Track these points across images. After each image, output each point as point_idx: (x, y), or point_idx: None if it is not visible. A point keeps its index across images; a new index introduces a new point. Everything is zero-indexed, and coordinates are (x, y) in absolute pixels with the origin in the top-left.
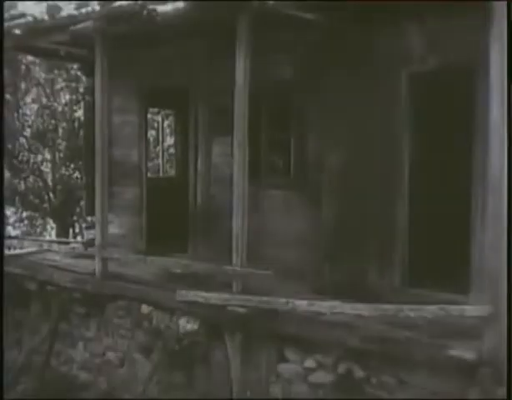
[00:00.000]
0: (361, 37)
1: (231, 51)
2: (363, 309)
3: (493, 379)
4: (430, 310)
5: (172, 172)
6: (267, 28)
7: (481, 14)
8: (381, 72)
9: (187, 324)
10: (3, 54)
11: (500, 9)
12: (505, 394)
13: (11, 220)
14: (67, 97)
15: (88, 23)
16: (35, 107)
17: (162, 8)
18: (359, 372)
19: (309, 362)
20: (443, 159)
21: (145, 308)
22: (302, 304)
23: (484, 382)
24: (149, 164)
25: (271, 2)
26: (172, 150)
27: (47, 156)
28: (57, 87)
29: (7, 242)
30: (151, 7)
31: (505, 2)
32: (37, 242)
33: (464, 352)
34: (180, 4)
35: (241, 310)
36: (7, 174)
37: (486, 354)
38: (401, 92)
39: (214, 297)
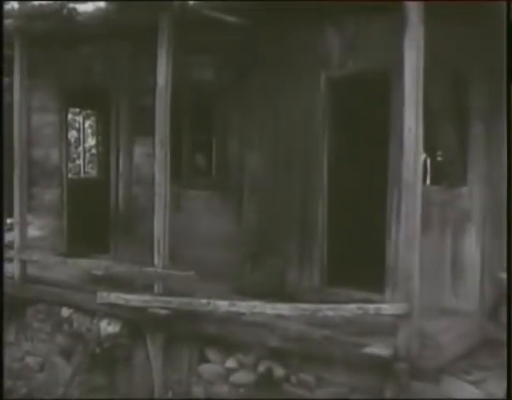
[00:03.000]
0: (282, 39)
1: (153, 51)
2: (283, 309)
3: (408, 374)
4: (348, 309)
5: (93, 173)
6: (188, 29)
7: (399, 18)
8: (301, 73)
9: (108, 326)
10: (3, 54)
11: (414, 13)
12: (505, 394)
13: None
14: None
15: (8, 22)
16: None
17: (82, 8)
18: (279, 371)
19: (230, 363)
20: (360, 160)
21: (65, 311)
22: (223, 305)
23: (399, 377)
24: (70, 165)
25: (191, 3)
26: (93, 150)
27: None
28: None
29: None
30: (71, 6)
31: (504, 4)
32: None
33: (380, 348)
34: (101, 4)
35: (162, 311)
36: None
37: (401, 350)
38: (320, 94)
39: (135, 299)
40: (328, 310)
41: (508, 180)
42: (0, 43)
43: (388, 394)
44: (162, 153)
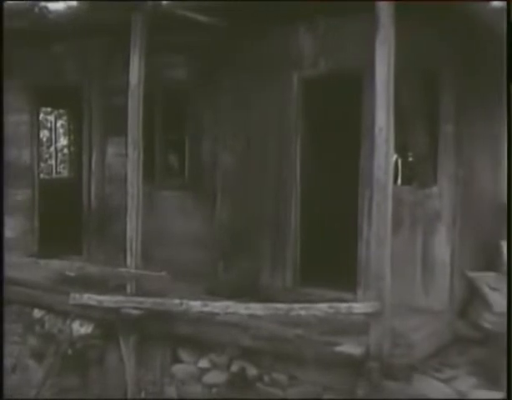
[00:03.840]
0: (255, 39)
1: (125, 50)
2: (256, 309)
3: (379, 372)
4: (320, 308)
5: (65, 173)
6: (162, 29)
7: (371, 18)
8: (274, 73)
9: (80, 328)
10: (3, 54)
11: (385, 14)
12: (505, 394)
13: None
14: None
15: None
16: None
17: (54, 6)
18: (252, 371)
19: (203, 363)
20: (333, 160)
21: (37, 312)
22: (196, 305)
23: (371, 376)
24: (42, 165)
25: (165, 3)
26: (65, 150)
27: None
28: None
29: None
30: (42, 4)
31: (505, 3)
32: None
33: (351, 347)
34: (73, 3)
35: (135, 312)
36: None
37: (372, 349)
38: (293, 94)
39: (108, 300)
40: (300, 309)
41: (508, 180)
42: (0, 43)
43: (359, 393)
44: (134, 153)
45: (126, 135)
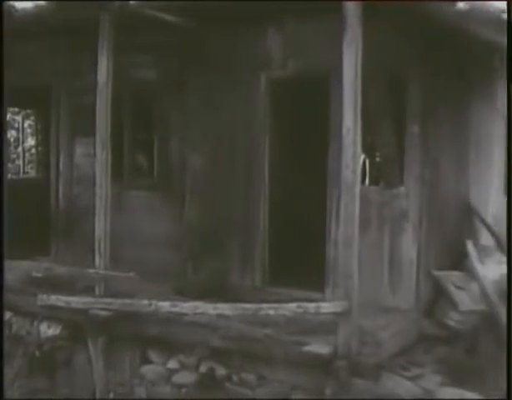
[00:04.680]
0: (223, 39)
1: (93, 50)
2: (225, 309)
3: (347, 371)
4: (288, 308)
5: (33, 173)
6: (130, 29)
7: (339, 19)
8: (242, 74)
9: (48, 329)
10: (3, 54)
11: (353, 15)
12: (505, 394)
13: None
14: None
15: None
16: None
17: (21, 5)
18: (221, 371)
19: (172, 363)
20: (302, 161)
21: (5, 314)
22: (164, 305)
23: (339, 375)
24: (9, 165)
25: (132, 3)
26: (33, 150)
27: None
28: None
29: None
30: (9, 3)
31: (505, 3)
32: None
33: (320, 346)
34: (41, 2)
35: (103, 313)
36: None
37: (340, 348)
38: (261, 94)
39: (76, 301)
40: (269, 309)
41: (508, 180)
42: (0, 43)
43: (328, 391)
44: (102, 153)
45: (94, 135)
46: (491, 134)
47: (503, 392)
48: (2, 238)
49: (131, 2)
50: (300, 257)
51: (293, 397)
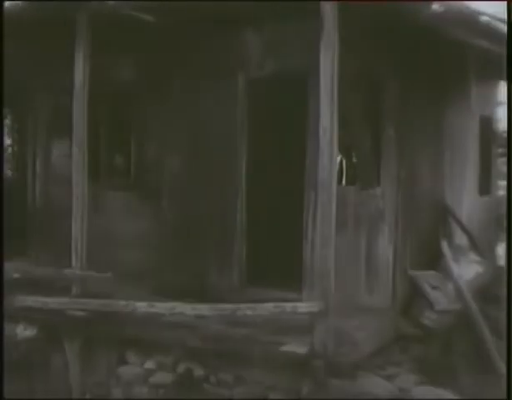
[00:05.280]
0: (202, 39)
1: (71, 50)
2: (203, 309)
3: (324, 371)
4: (266, 308)
5: (9, 173)
6: (108, 29)
7: (316, 20)
8: (221, 74)
9: (25, 330)
10: (3, 54)
11: (330, 16)
12: (505, 394)
13: None
14: None
15: None
16: None
17: None
18: (199, 371)
19: (150, 364)
20: (279, 161)
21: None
22: (142, 306)
23: (316, 374)
24: None
25: (110, 3)
26: (9, 150)
27: None
28: None
29: None
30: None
31: (505, 3)
32: None
33: (297, 346)
34: (18, 2)
35: (80, 314)
36: None
37: (317, 347)
38: (239, 95)
39: (53, 302)
40: (246, 309)
41: (508, 180)
42: (0, 43)
43: (304, 391)
44: (79, 154)
45: (71, 135)
46: (466, 135)
47: (478, 390)
48: (2, 238)
49: (109, 2)
50: (278, 258)
51: (271, 396)
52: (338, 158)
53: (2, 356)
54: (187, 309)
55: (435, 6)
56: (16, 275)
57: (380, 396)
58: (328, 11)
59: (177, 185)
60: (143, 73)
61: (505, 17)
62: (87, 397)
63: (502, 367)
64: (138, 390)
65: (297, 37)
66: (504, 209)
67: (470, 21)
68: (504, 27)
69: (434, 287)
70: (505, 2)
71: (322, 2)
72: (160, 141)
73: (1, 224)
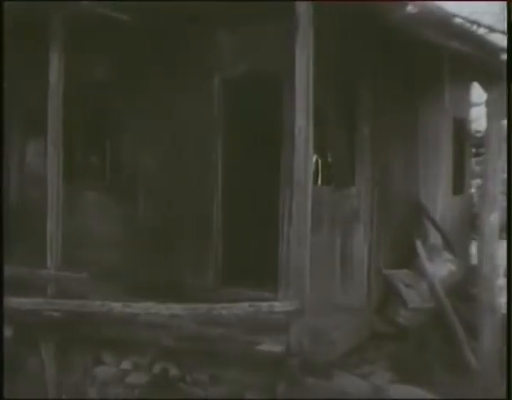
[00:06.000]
0: (177, 39)
1: (46, 49)
2: (178, 309)
3: (300, 369)
4: (241, 307)
5: None
6: (82, 28)
7: (291, 21)
8: (195, 74)
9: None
10: (3, 54)
11: (305, 17)
12: (505, 394)
13: None
14: None
15: None
16: None
17: None
18: (175, 371)
19: (126, 364)
20: (255, 160)
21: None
22: (117, 306)
23: (291, 373)
24: None
25: (85, 3)
26: None
27: None
28: None
29: None
30: None
31: (505, 3)
32: None
33: (273, 345)
34: None
35: (56, 314)
36: None
37: (293, 346)
38: (214, 95)
39: (28, 303)
40: (221, 309)
41: (508, 180)
42: (0, 43)
43: (280, 390)
44: (54, 153)
45: (46, 135)
46: (440, 135)
47: (451, 387)
48: (2, 238)
49: (83, 2)
50: (253, 257)
51: (247, 396)
52: (314, 158)
53: (2, 356)
54: (162, 309)
55: (409, 7)
56: None
57: (355, 394)
58: (304, 11)
59: (152, 185)
60: (118, 73)
61: (505, 16)
62: (64, 397)
63: (474, 364)
64: (114, 390)
65: (272, 38)
66: (476, 209)
67: (443, 22)
68: (477, 29)
69: (407, 286)
70: (505, 2)
71: (297, 3)
72: (135, 141)
73: (1, 224)
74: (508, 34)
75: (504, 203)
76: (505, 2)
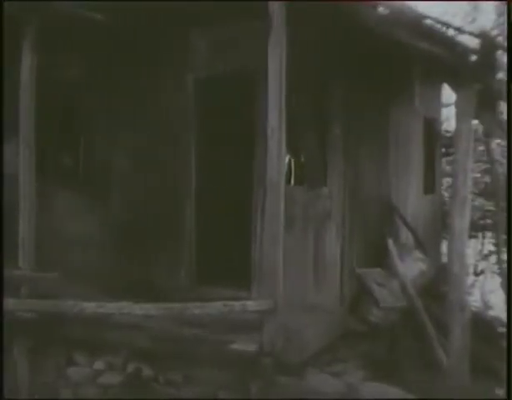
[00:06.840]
0: (151, 39)
1: (19, 49)
2: (151, 309)
3: (273, 368)
4: (214, 306)
5: None
6: (56, 27)
7: (265, 20)
8: (169, 74)
9: None
10: (3, 54)
11: (278, 17)
12: (505, 394)
13: None
14: None
15: None
16: None
17: None
18: (148, 371)
19: (99, 364)
20: (229, 160)
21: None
22: (90, 306)
23: (264, 372)
24: None
25: (58, 2)
26: None
27: None
28: None
29: None
30: None
31: (505, 3)
32: None
33: (246, 345)
34: None
35: (28, 315)
36: None
37: (266, 345)
38: (188, 94)
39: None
40: (195, 308)
41: (508, 180)
42: (0, 43)
43: (253, 389)
44: (26, 152)
45: (18, 134)
46: (411, 135)
47: (422, 385)
48: (2, 240)
49: (55, 1)
50: (226, 257)
51: (220, 395)
52: (287, 158)
53: (1, 356)
54: (135, 309)
55: (381, 8)
56: None
57: (328, 393)
58: (277, 10)
59: (126, 185)
60: (91, 73)
61: (505, 17)
62: (36, 397)
63: (445, 362)
64: (87, 390)
65: (245, 37)
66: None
67: (414, 23)
68: (447, 31)
69: (380, 285)
70: (505, 2)
71: (270, 2)
72: (109, 141)
73: (1, 225)
74: (508, 34)
75: (475, 202)
76: (505, 2)
